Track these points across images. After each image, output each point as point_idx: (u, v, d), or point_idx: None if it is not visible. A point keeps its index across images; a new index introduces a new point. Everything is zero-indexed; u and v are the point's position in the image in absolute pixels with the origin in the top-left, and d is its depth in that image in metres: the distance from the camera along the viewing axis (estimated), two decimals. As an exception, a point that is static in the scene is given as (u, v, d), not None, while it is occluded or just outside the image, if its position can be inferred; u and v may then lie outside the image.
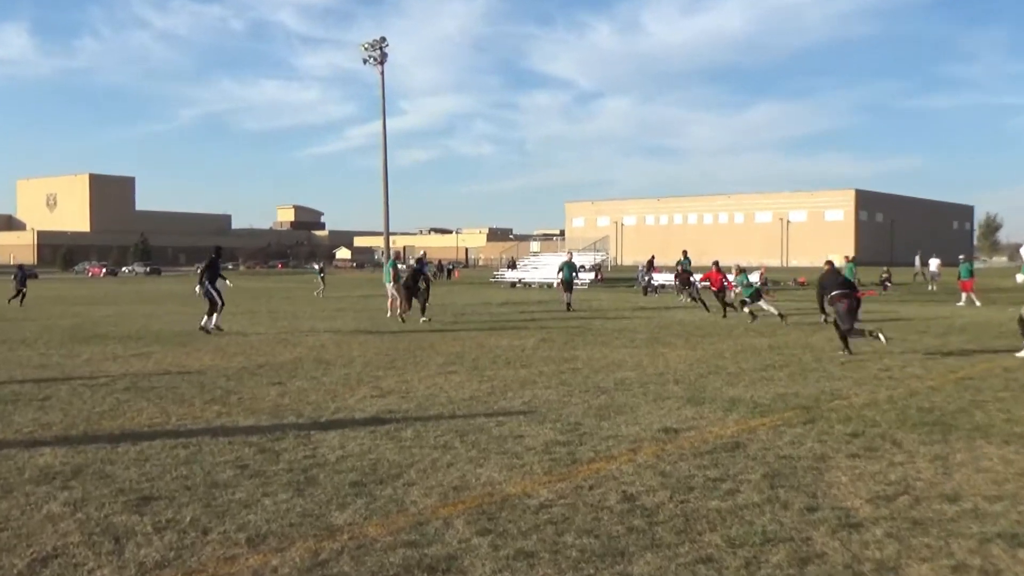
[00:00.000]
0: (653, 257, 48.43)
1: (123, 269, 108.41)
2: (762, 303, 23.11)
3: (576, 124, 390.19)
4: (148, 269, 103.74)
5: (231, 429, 8.83)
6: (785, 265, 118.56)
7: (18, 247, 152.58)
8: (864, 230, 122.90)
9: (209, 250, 20.91)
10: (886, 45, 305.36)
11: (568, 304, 27.54)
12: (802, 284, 50.77)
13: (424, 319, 22.46)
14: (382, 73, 59.48)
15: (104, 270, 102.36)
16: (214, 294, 19.53)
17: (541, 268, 55.48)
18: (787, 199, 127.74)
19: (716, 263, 26.79)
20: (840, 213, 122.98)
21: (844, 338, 14.96)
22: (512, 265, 59.76)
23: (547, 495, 6.31)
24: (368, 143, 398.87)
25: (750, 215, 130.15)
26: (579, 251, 57.71)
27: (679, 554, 5.13)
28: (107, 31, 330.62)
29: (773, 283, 49.24)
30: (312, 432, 8.61)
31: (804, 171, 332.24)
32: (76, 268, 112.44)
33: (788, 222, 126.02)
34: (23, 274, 35.82)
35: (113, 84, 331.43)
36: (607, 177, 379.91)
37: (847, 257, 41.65)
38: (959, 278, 33.00)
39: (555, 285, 30.52)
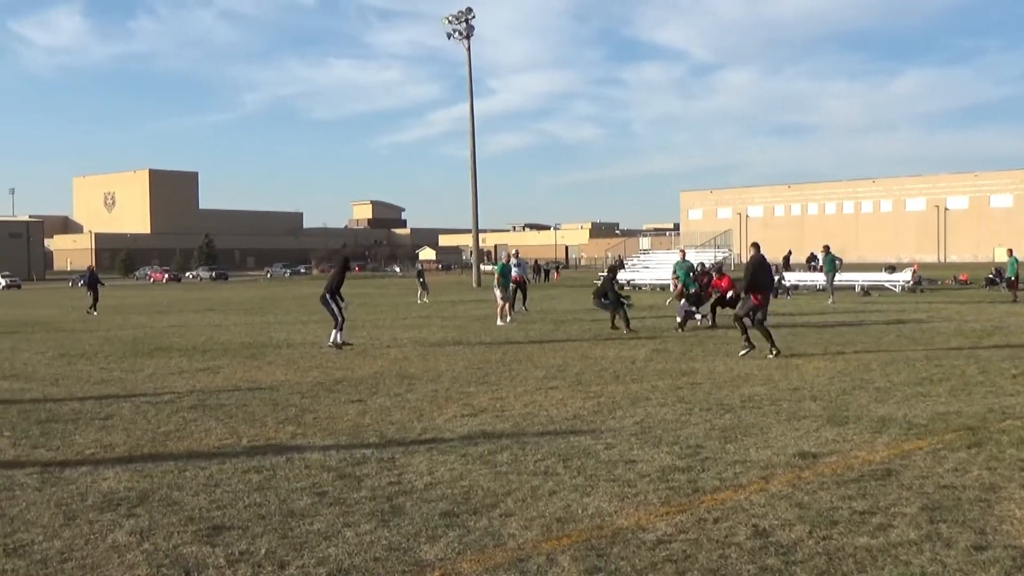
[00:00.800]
0: (790, 253, 47.72)
1: (187, 274, 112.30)
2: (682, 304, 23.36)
3: (691, 101, 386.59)
4: (213, 274, 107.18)
5: (307, 452, 9.05)
6: (943, 260, 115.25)
7: (75, 251, 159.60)
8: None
9: (336, 258, 20.85)
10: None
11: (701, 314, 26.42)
12: (964, 282, 49.18)
13: (628, 331, 21.82)
14: (468, 49, 60.04)
15: (166, 275, 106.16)
16: (334, 307, 19.48)
17: (653, 268, 55.12)
18: (945, 182, 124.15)
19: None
20: (1008, 198, 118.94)
21: (745, 330, 17.12)
22: (620, 265, 59.46)
23: (665, 528, 6.28)
24: (454, 128, 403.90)
25: (900, 202, 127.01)
26: (697, 247, 57.12)
27: (821, 599, 5.04)
28: (165, 10, 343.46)
29: (929, 281, 47.84)
30: (396, 456, 8.77)
31: (964, 150, 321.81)
32: (137, 273, 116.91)
33: (946, 209, 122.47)
34: (94, 278, 37.50)
35: (173, 70, 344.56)
36: (729, 162, 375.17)
37: (1010, 250, 40.25)
38: None
39: (671, 289, 29.68)
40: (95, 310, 35.55)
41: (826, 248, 36.25)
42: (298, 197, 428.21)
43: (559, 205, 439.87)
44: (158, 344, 21.54)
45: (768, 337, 16.79)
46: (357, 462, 8.53)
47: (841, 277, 48.79)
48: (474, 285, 59.64)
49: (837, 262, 36.76)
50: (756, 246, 17.71)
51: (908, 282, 43.04)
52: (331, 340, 19.27)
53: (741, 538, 6.06)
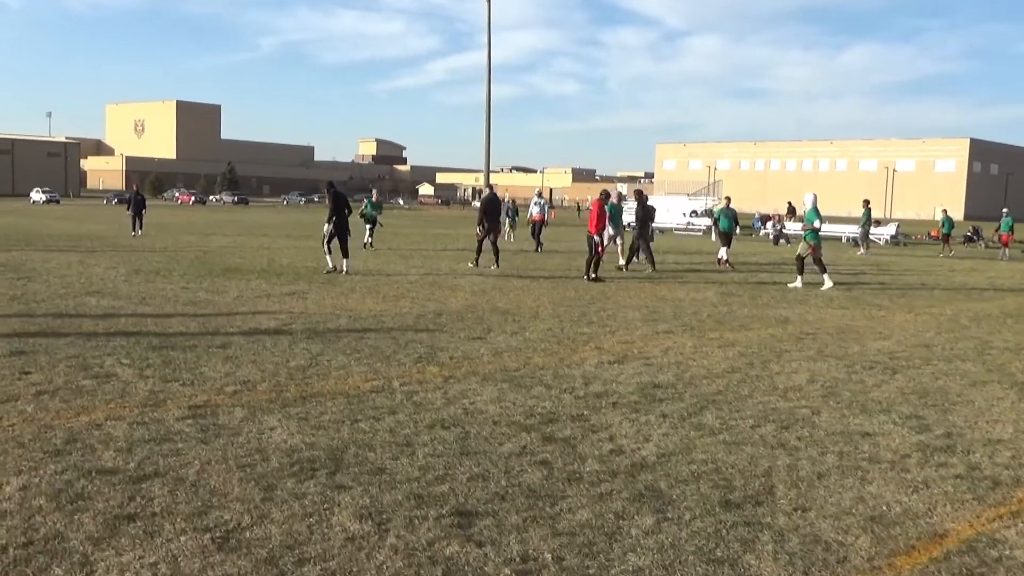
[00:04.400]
0: (791, 203, 45.99)
1: (211, 198, 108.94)
2: None
3: (662, 63, 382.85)
4: (236, 199, 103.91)
5: (477, 401, 7.21)
6: (889, 217, 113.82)
7: (107, 172, 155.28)
8: (976, 183, 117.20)
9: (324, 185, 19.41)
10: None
11: (727, 260, 22.59)
12: (936, 238, 47.60)
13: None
14: (489, 1, 57.02)
15: (192, 198, 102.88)
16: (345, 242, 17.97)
17: (629, 212, 53.16)
18: (895, 147, 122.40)
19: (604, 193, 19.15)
20: (952, 163, 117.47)
21: (496, 255, 19.86)
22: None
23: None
24: (448, 78, 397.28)
25: (854, 162, 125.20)
26: (690, 195, 55.26)
27: None
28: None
29: (905, 236, 46.23)
30: (584, 413, 6.94)
31: (904, 120, 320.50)
32: (165, 195, 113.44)
33: (895, 171, 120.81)
34: (141, 198, 31.43)
35: (198, 12, 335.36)
36: (694, 120, 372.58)
37: (945, 210, 39.69)
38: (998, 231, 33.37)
39: (712, 236, 26.83)
40: (140, 229, 30.51)
41: (865, 202, 34.37)
42: (310, 132, 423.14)
43: (540, 151, 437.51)
44: (226, 264, 19.50)
45: (496, 255, 19.79)
46: (547, 420, 6.69)
47: (827, 229, 47.19)
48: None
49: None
50: (491, 187, 21.48)
51: (892, 236, 41.49)
52: (346, 269, 17.82)
53: None
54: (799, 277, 17.78)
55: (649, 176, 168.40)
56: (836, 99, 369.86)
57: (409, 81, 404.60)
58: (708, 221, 50.01)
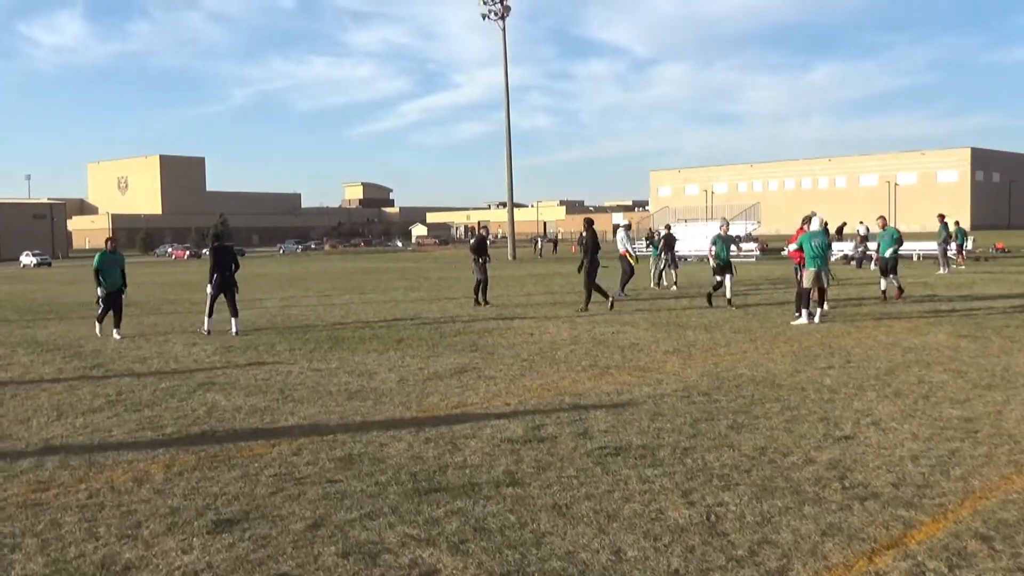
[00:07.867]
0: (844, 224, 43.22)
1: (204, 251, 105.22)
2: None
3: (633, 92, 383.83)
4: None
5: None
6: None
7: (93, 231, 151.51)
8: (980, 192, 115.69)
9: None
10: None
11: (890, 290, 19.51)
12: (1001, 250, 44.97)
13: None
14: (504, 29, 54.36)
15: (188, 252, 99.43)
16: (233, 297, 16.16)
17: (688, 239, 50.15)
18: (895, 160, 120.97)
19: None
20: (954, 174, 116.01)
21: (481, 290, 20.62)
22: (650, 237, 54.25)
23: None
24: (424, 119, 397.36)
25: (853, 178, 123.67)
26: (731, 220, 52.36)
27: None
28: (158, 13, 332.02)
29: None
30: None
31: (870, 134, 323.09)
32: (158, 251, 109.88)
33: (896, 185, 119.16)
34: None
35: (169, 67, 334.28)
36: (667, 146, 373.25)
37: (957, 222, 36.84)
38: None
39: (873, 266, 23.95)
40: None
41: (941, 216, 31.55)
42: (295, 180, 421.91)
43: (522, 185, 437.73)
44: (323, 334, 16.14)
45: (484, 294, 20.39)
46: None
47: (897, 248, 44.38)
48: (510, 258, 54.40)
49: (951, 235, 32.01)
50: (481, 225, 23.15)
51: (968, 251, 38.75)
52: (206, 327, 16.28)
53: None
54: (805, 311, 15.35)
55: (640, 204, 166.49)
56: (803, 118, 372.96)
57: (386, 124, 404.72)
58: (755, 247, 47.05)
